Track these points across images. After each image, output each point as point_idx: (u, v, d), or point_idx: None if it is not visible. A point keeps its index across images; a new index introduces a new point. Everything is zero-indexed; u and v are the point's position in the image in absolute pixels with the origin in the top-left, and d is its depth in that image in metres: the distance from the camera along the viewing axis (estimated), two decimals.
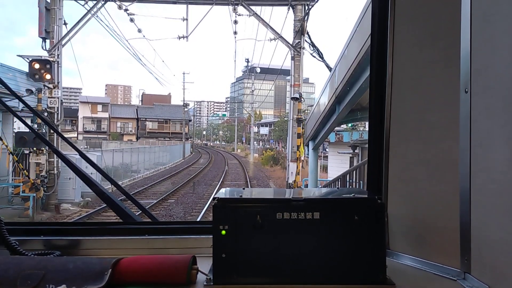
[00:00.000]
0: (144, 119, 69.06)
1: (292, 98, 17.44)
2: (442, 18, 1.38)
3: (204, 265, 1.26)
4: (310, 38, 16.85)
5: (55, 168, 16.54)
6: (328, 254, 1.23)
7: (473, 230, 1.21)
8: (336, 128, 21.40)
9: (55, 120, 16.30)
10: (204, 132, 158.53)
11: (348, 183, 10.07)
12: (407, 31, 1.47)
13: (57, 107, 16.35)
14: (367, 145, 1.73)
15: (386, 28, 1.51)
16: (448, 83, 1.33)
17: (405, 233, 1.48)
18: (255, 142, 69.61)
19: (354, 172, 9.89)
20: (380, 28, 1.55)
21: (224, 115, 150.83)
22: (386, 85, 1.52)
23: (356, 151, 21.20)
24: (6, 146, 14.38)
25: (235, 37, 19.23)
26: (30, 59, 15.42)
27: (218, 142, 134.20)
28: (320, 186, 17.56)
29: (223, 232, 1.21)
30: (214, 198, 1.24)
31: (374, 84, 1.59)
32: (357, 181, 9.21)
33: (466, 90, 1.23)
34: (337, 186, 11.20)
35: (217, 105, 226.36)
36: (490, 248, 1.14)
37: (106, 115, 65.63)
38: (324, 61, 15.77)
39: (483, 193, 1.17)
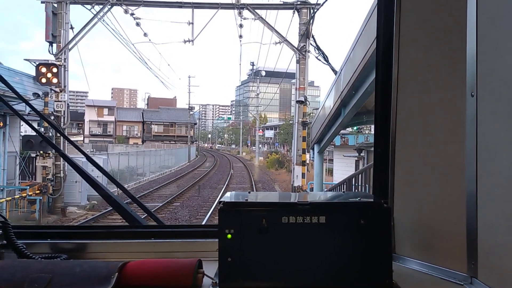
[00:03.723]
0: (149, 123, 69.22)
1: (297, 101, 17.44)
2: (447, 21, 1.37)
3: (210, 269, 1.27)
4: (315, 42, 16.88)
5: (62, 171, 16.66)
6: (333, 258, 1.22)
7: (480, 234, 1.20)
8: (342, 131, 21.34)
9: (62, 123, 16.42)
10: (210, 135, 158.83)
11: (353, 186, 10.03)
12: (412, 35, 1.47)
13: (64, 111, 16.48)
14: (372, 149, 1.73)
15: (392, 31, 1.50)
16: (454, 86, 1.32)
17: (411, 237, 1.48)
18: (260, 145, 69.57)
19: (360, 175, 9.85)
20: (386, 32, 1.54)
21: (229, 118, 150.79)
22: (391, 88, 1.51)
23: (361, 154, 21.10)
24: None
25: (241, 40, 19.33)
26: (37, 63, 15.57)
27: (223, 145, 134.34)
28: (325, 190, 17.50)
29: (229, 236, 1.22)
30: (219, 202, 1.25)
31: (380, 87, 1.59)
32: (363, 184, 9.17)
33: (472, 93, 1.22)
34: (342, 190, 11.16)
35: (222, 108, 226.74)
36: (497, 252, 1.13)
37: (112, 118, 65.88)
38: (329, 64, 15.79)
39: (489, 197, 1.16)
